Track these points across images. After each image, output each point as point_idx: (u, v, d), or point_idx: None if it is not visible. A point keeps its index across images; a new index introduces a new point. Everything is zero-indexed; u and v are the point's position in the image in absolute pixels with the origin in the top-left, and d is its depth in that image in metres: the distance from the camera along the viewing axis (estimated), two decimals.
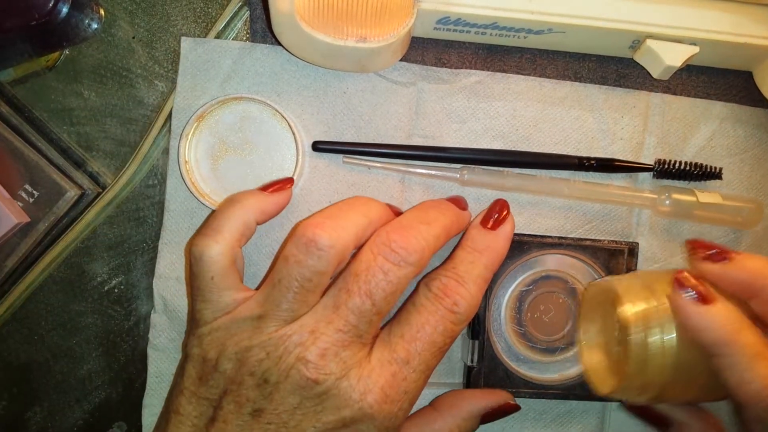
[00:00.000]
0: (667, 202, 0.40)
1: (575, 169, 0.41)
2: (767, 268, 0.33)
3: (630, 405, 0.40)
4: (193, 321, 0.34)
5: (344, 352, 0.31)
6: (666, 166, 0.41)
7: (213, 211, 0.37)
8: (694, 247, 0.36)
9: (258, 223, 0.36)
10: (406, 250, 0.32)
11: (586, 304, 0.39)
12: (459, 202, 0.38)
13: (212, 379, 0.32)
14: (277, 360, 0.31)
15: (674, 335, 0.33)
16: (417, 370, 0.32)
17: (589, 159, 0.41)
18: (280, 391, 0.31)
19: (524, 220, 0.41)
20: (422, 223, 0.34)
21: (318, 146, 0.40)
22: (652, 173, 0.42)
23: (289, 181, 0.37)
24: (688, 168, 0.41)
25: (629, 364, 0.34)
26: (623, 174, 0.42)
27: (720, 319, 0.31)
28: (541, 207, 0.42)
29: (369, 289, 0.31)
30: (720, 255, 0.35)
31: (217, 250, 0.33)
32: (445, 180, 0.40)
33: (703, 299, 0.32)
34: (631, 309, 0.34)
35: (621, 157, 0.42)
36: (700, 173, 0.41)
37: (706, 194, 0.41)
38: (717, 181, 0.42)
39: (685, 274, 0.34)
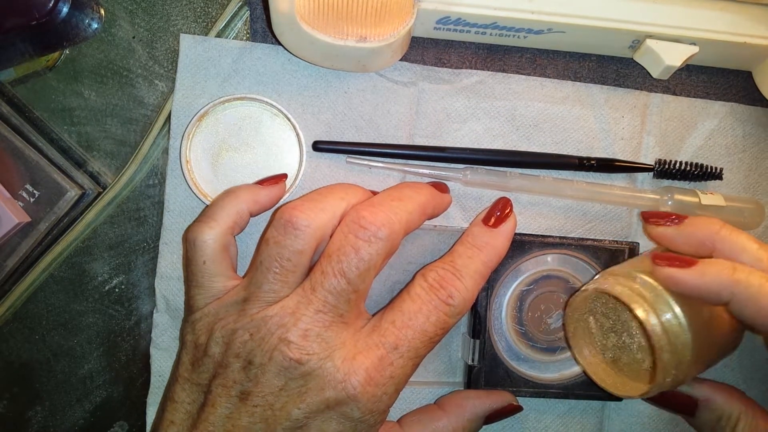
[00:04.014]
0: (670, 203, 0.40)
1: (575, 169, 0.41)
2: (717, 225, 0.35)
3: (650, 397, 0.38)
4: (187, 308, 0.35)
5: (327, 333, 0.31)
6: (666, 167, 0.41)
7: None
8: (648, 216, 0.38)
9: (252, 214, 0.37)
10: (375, 225, 0.32)
11: (573, 320, 0.38)
12: (439, 187, 0.38)
13: (203, 364, 0.33)
14: (260, 341, 0.31)
15: (680, 309, 0.33)
16: (405, 356, 0.32)
17: (589, 159, 0.41)
18: (265, 373, 0.31)
19: (525, 220, 0.41)
20: (394, 200, 0.34)
21: (318, 146, 0.40)
22: (652, 173, 0.42)
23: (282, 176, 0.38)
24: (688, 168, 0.41)
25: (660, 355, 0.33)
26: (623, 174, 0.42)
27: (714, 269, 0.33)
28: (542, 207, 0.42)
29: (342, 269, 0.32)
30: (674, 218, 0.37)
31: (210, 235, 0.34)
32: (448, 180, 0.41)
33: (687, 263, 0.33)
34: (635, 305, 0.33)
35: (622, 157, 0.42)
36: (701, 173, 0.41)
37: (709, 196, 0.41)
38: (717, 181, 0.42)
39: (659, 251, 0.35)
